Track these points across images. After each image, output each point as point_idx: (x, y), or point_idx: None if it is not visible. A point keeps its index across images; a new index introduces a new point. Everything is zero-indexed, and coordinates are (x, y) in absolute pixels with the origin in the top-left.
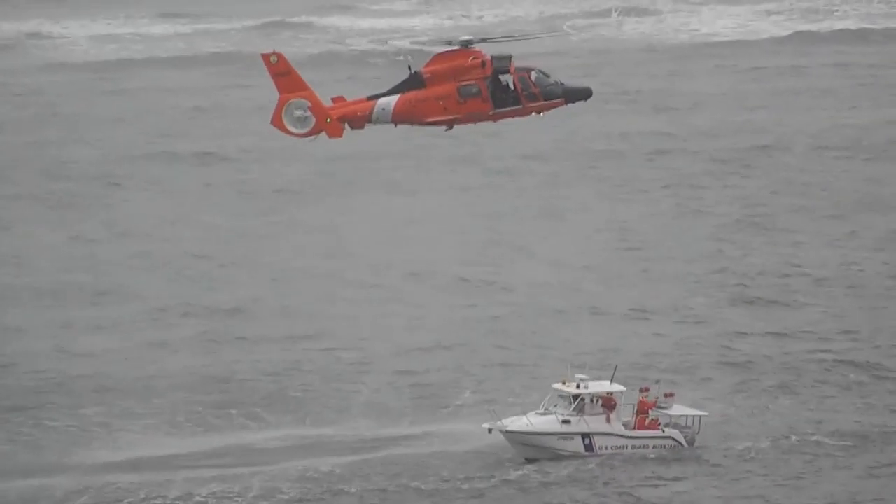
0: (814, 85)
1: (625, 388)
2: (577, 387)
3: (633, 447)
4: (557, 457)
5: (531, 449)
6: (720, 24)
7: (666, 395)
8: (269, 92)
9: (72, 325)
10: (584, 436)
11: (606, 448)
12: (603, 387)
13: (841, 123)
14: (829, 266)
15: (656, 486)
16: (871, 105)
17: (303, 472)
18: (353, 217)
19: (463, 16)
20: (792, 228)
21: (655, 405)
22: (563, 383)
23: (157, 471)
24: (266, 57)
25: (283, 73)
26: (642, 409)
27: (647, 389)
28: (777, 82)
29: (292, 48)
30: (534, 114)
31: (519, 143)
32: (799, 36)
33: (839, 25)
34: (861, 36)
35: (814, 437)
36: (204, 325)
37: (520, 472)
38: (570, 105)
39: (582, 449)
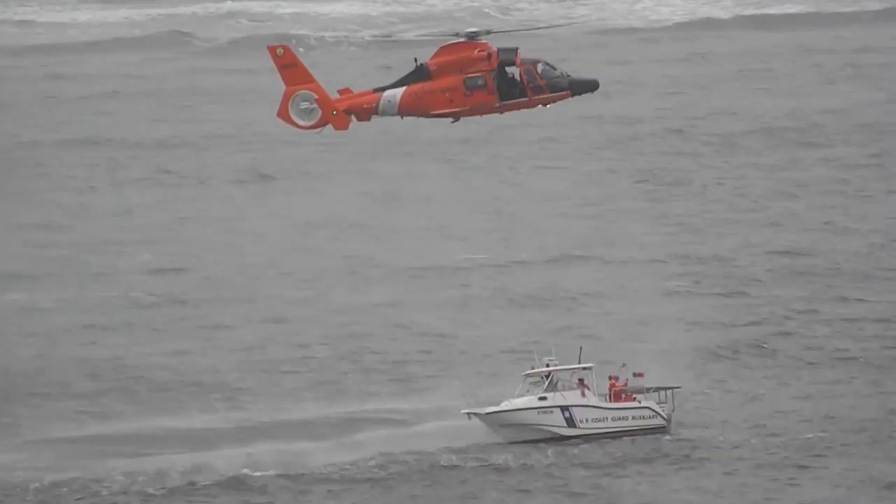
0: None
1: (593, 365)
2: (547, 366)
3: (613, 418)
4: (540, 434)
5: (513, 429)
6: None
7: (635, 375)
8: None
9: None
10: (564, 409)
11: (587, 420)
12: (571, 365)
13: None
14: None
15: (634, 476)
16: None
17: (279, 454)
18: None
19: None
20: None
21: (627, 385)
22: (532, 368)
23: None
24: (272, 49)
25: (289, 66)
26: (615, 393)
27: (615, 377)
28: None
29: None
30: (540, 106)
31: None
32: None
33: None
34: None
35: (787, 427)
36: None
37: (502, 457)
38: None
39: (563, 422)
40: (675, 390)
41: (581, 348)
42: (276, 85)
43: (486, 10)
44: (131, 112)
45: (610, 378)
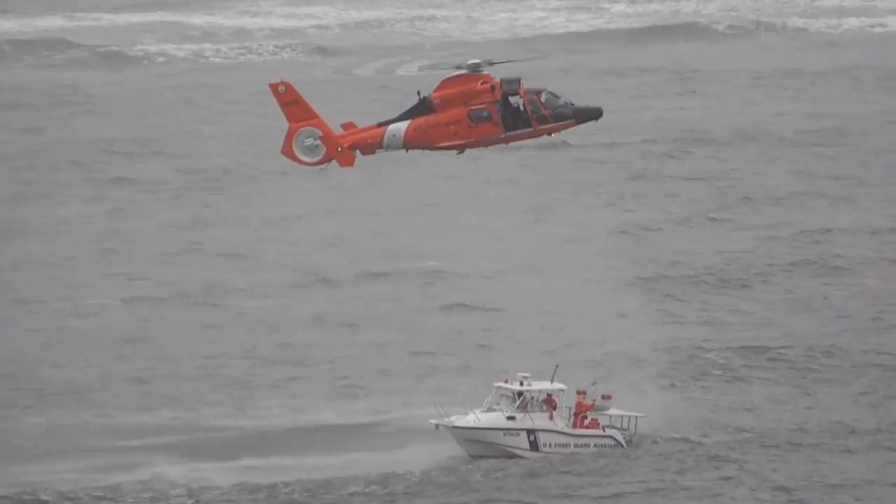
0: None
1: (566, 387)
2: (521, 384)
3: (576, 445)
4: (503, 454)
5: (478, 445)
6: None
7: (603, 397)
8: None
9: None
10: (530, 432)
11: (550, 445)
12: (544, 386)
13: None
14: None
15: (599, 484)
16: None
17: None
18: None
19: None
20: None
21: (593, 407)
22: (506, 381)
23: None
24: (274, 87)
25: (291, 103)
26: (580, 411)
27: (583, 392)
28: None
29: None
30: (546, 135)
31: None
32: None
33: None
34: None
35: (753, 430)
36: None
37: (466, 467)
38: None
39: (527, 445)
40: (639, 418)
41: (556, 366)
42: None
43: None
44: None
45: (578, 393)
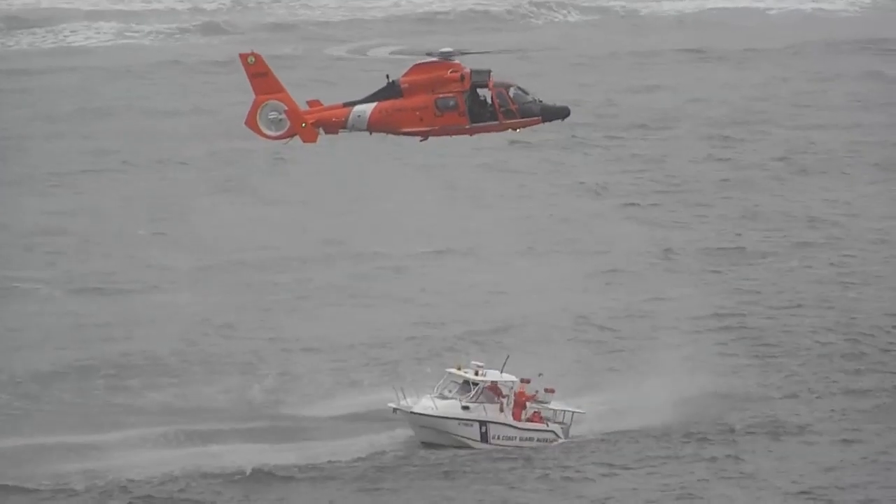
0: None
1: (516, 379)
2: (476, 374)
3: (521, 439)
4: (454, 443)
5: (430, 432)
6: None
7: (546, 391)
8: None
9: None
10: (482, 423)
11: (498, 438)
12: (494, 376)
13: None
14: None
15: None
16: None
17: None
18: None
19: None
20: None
21: (535, 398)
22: (458, 368)
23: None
24: (244, 57)
25: (259, 74)
26: (520, 401)
27: (528, 381)
28: None
29: None
30: (510, 130)
31: None
32: None
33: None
34: None
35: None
36: None
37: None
38: None
39: (478, 437)
40: (576, 414)
41: (508, 356)
42: None
43: None
44: None
45: (522, 381)
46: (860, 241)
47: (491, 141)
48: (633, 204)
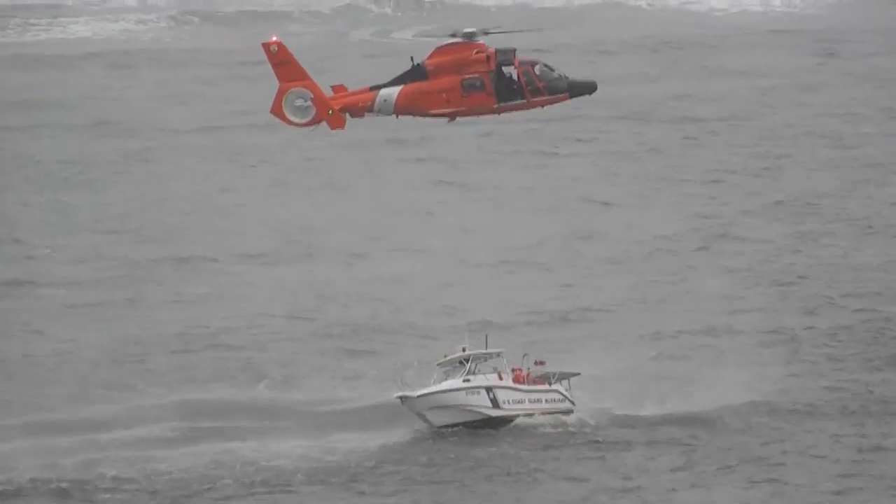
0: None
1: (503, 350)
2: (464, 350)
3: (530, 400)
4: (468, 416)
5: (442, 412)
6: None
7: (537, 363)
8: None
9: None
10: (488, 389)
11: (508, 402)
12: (484, 351)
13: None
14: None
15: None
16: None
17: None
18: None
19: None
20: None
21: (530, 375)
22: (445, 356)
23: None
24: (266, 46)
25: (283, 63)
26: (517, 378)
27: (518, 370)
28: None
29: None
30: (538, 107)
31: None
32: None
33: None
34: None
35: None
36: None
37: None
38: None
39: (489, 403)
40: (574, 376)
41: (487, 336)
42: None
43: None
44: None
45: (513, 370)
46: None
47: None
48: None
